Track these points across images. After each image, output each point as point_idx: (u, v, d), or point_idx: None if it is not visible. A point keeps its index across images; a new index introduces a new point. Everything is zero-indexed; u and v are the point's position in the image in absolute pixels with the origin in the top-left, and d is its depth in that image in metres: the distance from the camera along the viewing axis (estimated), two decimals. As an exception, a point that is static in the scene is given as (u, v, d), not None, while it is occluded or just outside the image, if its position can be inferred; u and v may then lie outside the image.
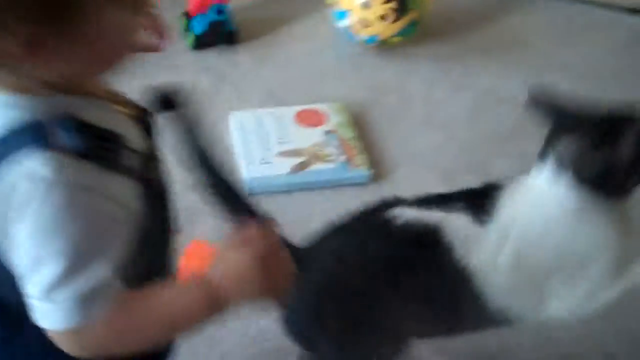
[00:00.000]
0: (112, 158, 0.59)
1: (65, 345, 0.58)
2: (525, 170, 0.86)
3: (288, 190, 1.40)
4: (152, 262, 0.66)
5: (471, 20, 1.94)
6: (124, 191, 0.59)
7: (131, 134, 0.63)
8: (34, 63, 0.54)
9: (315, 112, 1.55)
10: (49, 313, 0.56)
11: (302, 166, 1.43)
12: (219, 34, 1.75)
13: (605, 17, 1.94)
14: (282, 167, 1.42)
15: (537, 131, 0.85)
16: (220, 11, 1.73)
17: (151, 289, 0.60)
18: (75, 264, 0.55)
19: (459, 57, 1.79)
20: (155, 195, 0.65)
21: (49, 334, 0.58)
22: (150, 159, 0.65)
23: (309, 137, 1.49)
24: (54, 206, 0.54)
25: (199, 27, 1.73)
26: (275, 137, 1.49)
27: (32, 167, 0.54)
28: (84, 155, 0.56)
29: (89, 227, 0.56)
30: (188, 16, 1.75)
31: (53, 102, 0.57)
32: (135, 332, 0.59)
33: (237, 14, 1.78)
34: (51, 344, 0.58)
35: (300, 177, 1.41)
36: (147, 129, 0.67)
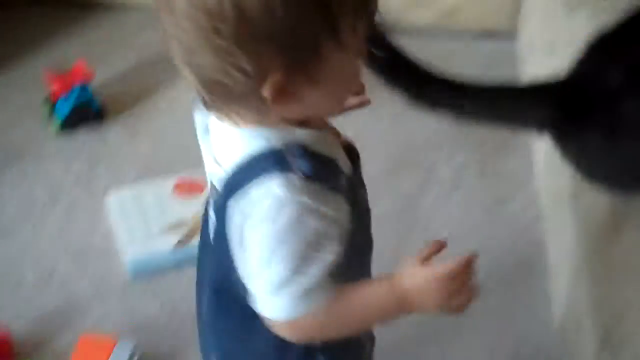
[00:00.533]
0: (332, 180, 0.71)
1: (285, 332, 0.73)
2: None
3: (177, 266, 1.39)
4: (356, 270, 0.80)
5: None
6: (339, 210, 0.71)
7: (342, 159, 0.75)
8: (279, 106, 0.65)
9: (193, 182, 1.55)
10: (275, 306, 0.71)
11: (187, 239, 1.43)
12: (85, 115, 1.72)
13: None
14: (166, 243, 1.42)
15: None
16: (83, 90, 1.71)
17: (353, 288, 0.73)
18: (299, 267, 0.68)
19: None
20: (360, 214, 0.77)
21: (272, 324, 0.73)
22: (356, 183, 0.77)
23: (191, 208, 1.47)
24: (285, 220, 0.67)
25: (63, 110, 1.70)
26: (155, 213, 1.48)
27: (272, 187, 0.67)
28: (311, 178, 0.67)
29: (310, 239, 0.68)
30: (51, 101, 1.72)
31: (287, 133, 0.70)
32: (339, 323, 0.75)
33: (102, 91, 1.77)
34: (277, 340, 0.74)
35: (186, 252, 1.40)
36: (351, 156, 0.78)
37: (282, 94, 0.64)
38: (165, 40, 0.66)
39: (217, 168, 0.74)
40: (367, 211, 0.82)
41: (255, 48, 0.61)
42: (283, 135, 0.69)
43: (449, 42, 1.85)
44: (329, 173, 0.71)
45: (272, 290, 0.70)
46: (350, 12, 0.64)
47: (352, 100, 0.81)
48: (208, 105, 0.70)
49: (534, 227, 1.46)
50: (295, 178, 0.67)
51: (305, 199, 0.67)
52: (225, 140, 0.73)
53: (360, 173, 0.80)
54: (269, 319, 0.72)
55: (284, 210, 0.67)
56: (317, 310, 0.71)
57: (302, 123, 0.71)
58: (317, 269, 0.69)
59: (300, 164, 0.67)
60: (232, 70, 0.62)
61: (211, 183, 0.77)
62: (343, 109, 0.78)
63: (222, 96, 0.67)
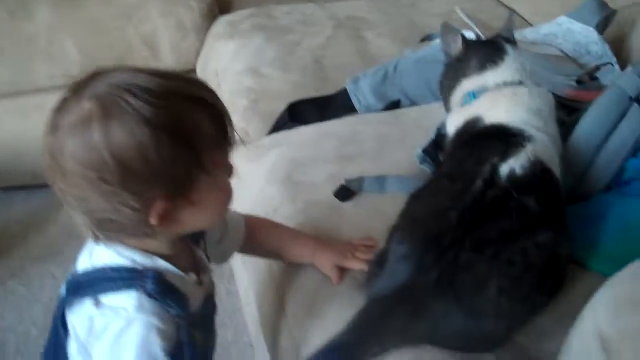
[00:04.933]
0: (175, 308, 0.78)
1: None
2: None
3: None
4: None
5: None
6: (172, 335, 0.78)
7: (194, 298, 0.83)
8: (164, 229, 0.76)
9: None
10: None
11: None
12: None
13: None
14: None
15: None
16: None
17: None
18: None
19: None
20: (188, 349, 0.81)
21: None
22: (198, 323, 0.84)
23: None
24: (129, 338, 0.74)
25: None
26: None
27: (123, 304, 0.75)
28: (156, 300, 0.76)
29: (148, 356, 0.75)
30: None
31: (150, 261, 0.79)
32: None
33: None
34: None
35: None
36: (207, 293, 0.89)
37: (167, 218, 0.75)
38: (61, 198, 0.75)
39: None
40: (197, 351, 0.86)
41: (138, 187, 0.71)
42: (147, 261, 0.79)
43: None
44: (173, 301, 0.78)
45: None
46: (209, 147, 0.75)
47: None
48: (99, 239, 0.78)
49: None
50: (144, 298, 0.76)
51: (153, 319, 0.75)
52: (93, 248, 0.81)
53: (209, 320, 0.91)
54: None
55: (131, 332, 0.75)
56: None
57: (164, 256, 0.80)
58: None
59: (149, 286, 0.76)
60: (121, 208, 0.72)
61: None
62: (220, 220, 0.90)
63: (113, 230, 0.75)
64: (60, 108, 0.74)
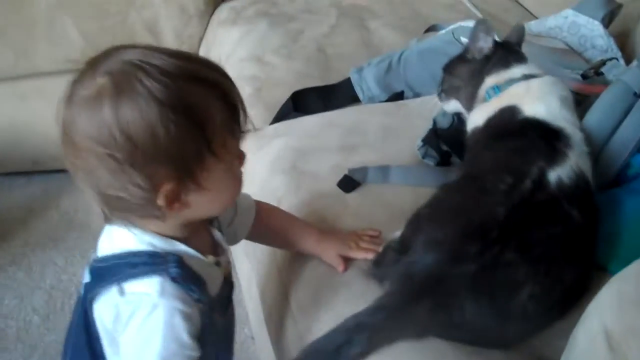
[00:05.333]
0: (195, 292, 0.79)
1: None
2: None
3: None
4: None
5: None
6: (196, 317, 0.79)
7: (213, 283, 0.84)
8: (170, 212, 0.75)
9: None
10: None
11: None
12: None
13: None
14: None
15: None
16: None
17: None
18: None
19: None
20: (207, 332, 0.82)
21: None
22: (215, 306, 0.85)
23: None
24: (155, 322, 0.75)
25: None
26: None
27: (146, 290, 0.76)
28: (178, 283, 0.77)
29: (174, 340, 0.76)
30: None
31: (170, 245, 0.80)
32: None
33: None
34: None
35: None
36: (226, 274, 0.89)
37: (175, 201, 0.75)
38: (72, 172, 0.75)
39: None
40: (218, 332, 0.88)
41: (146, 166, 0.72)
42: (166, 245, 0.79)
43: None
44: (195, 285, 0.79)
45: None
46: (220, 131, 0.75)
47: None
48: (109, 218, 0.79)
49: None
50: (167, 283, 0.76)
51: (177, 303, 0.76)
52: (113, 233, 0.81)
53: (227, 300, 0.91)
54: None
55: (155, 317, 0.75)
56: None
57: (184, 240, 0.81)
58: None
59: (172, 270, 0.77)
60: (129, 186, 0.72)
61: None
62: (230, 207, 0.92)
63: (122, 209, 0.76)
64: (77, 81, 0.74)
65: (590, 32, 1.55)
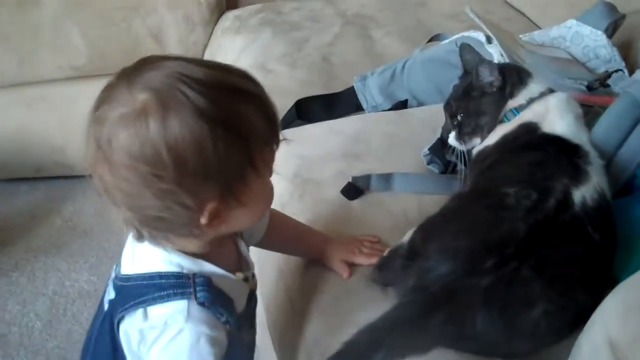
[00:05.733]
0: (224, 314, 0.77)
1: None
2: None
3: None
4: None
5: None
6: (223, 340, 0.78)
7: (239, 300, 0.83)
8: (209, 230, 0.74)
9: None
10: None
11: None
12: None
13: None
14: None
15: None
16: None
17: None
18: None
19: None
20: (236, 350, 0.82)
21: None
22: (243, 323, 0.85)
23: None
24: (180, 345, 0.74)
25: None
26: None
27: (173, 315, 0.74)
28: (207, 308, 0.75)
29: None
30: None
31: (198, 266, 0.78)
32: None
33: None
34: None
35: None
36: (251, 289, 0.89)
37: (217, 218, 0.73)
38: (102, 189, 0.72)
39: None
40: (243, 347, 0.88)
41: (194, 185, 0.69)
42: (194, 266, 0.77)
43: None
44: (223, 307, 0.78)
45: None
46: (260, 144, 0.73)
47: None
48: (142, 237, 0.76)
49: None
50: (194, 307, 0.75)
51: (203, 328, 0.75)
52: (138, 251, 0.79)
53: (252, 315, 0.91)
54: None
55: (179, 336, 0.74)
56: None
57: (209, 258, 0.79)
58: None
59: (200, 294, 0.75)
60: (174, 207, 0.70)
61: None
62: (259, 221, 0.90)
63: (161, 229, 0.74)
64: (108, 97, 0.71)
65: (593, 42, 1.55)
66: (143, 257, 0.79)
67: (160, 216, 0.71)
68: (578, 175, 0.95)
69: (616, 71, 1.38)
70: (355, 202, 1.16)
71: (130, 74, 0.71)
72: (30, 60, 2.02)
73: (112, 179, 0.70)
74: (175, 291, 0.75)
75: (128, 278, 0.79)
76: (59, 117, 2.06)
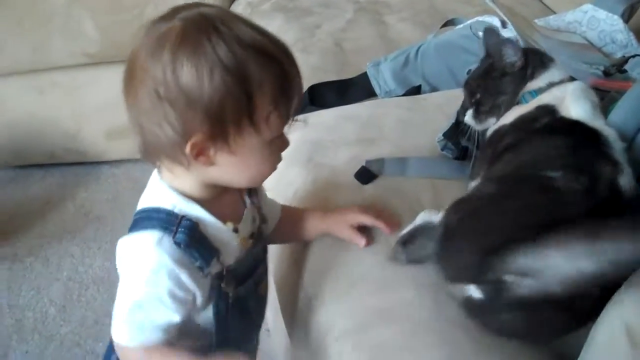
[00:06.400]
0: (202, 261, 0.81)
1: (120, 354, 0.84)
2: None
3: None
4: (225, 343, 0.89)
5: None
6: (196, 289, 0.82)
7: (229, 253, 0.86)
8: (195, 165, 0.78)
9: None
10: (115, 330, 0.83)
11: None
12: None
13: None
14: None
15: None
16: None
17: (177, 354, 0.82)
18: (141, 307, 0.80)
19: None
20: (231, 306, 0.87)
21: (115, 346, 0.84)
22: (233, 275, 0.86)
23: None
24: (141, 266, 0.78)
25: None
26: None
27: (146, 238, 0.79)
28: (182, 249, 0.79)
29: (159, 294, 0.79)
30: None
31: (191, 208, 0.82)
32: None
33: None
34: None
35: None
36: (258, 237, 0.92)
37: (202, 154, 0.77)
38: (131, 120, 0.78)
39: None
40: (242, 309, 0.90)
41: (184, 109, 0.74)
42: (187, 207, 0.81)
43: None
44: (199, 253, 0.81)
45: (117, 317, 0.82)
46: (266, 104, 0.76)
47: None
48: (144, 154, 0.81)
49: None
50: (168, 241, 0.78)
51: (168, 261, 0.78)
52: (149, 187, 0.86)
53: (248, 275, 0.91)
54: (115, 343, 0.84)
55: (146, 260, 0.78)
56: (142, 349, 0.82)
57: (204, 203, 0.83)
58: (152, 319, 0.80)
59: (179, 236, 0.79)
60: (163, 123, 0.75)
61: None
62: (260, 183, 0.91)
63: (154, 145, 0.78)
64: (157, 20, 0.78)
65: (609, 26, 1.53)
66: (149, 193, 0.85)
67: (153, 130, 0.76)
68: (616, 162, 0.94)
69: (633, 56, 1.36)
70: (369, 186, 1.16)
71: (180, 7, 0.78)
72: (43, 47, 2.02)
73: (128, 87, 0.77)
74: (161, 225, 0.79)
75: (136, 212, 0.84)
76: (72, 104, 2.07)
